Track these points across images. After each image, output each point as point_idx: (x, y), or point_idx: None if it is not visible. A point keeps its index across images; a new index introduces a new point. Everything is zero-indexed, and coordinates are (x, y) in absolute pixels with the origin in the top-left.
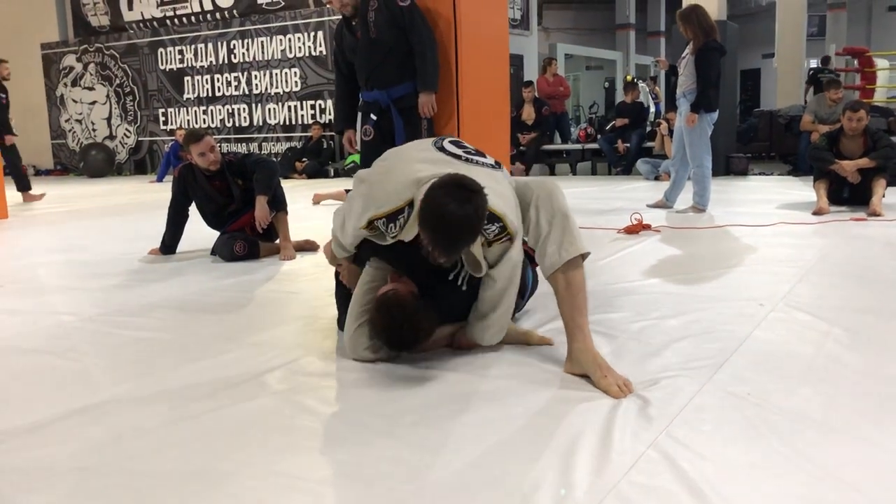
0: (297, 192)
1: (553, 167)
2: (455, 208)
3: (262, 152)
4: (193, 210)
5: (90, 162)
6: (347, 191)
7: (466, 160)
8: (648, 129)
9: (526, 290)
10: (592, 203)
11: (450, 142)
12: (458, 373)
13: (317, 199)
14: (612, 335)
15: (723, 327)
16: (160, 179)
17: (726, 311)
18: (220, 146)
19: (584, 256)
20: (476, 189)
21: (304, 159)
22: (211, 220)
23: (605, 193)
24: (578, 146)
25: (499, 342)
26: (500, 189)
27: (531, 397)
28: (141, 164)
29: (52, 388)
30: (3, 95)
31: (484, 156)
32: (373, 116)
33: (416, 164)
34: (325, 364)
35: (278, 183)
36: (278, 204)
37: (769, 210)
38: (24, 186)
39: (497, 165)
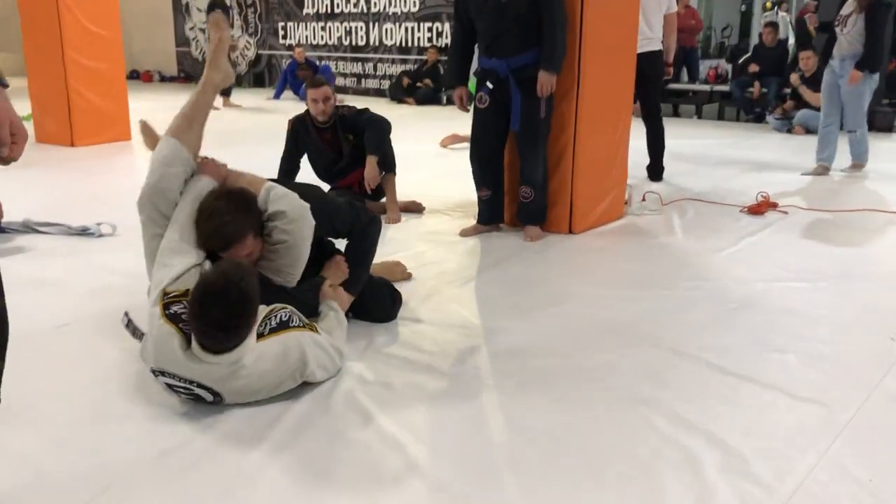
0: (408, 125)
1: (677, 107)
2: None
3: (377, 73)
4: (305, 162)
5: None
6: None
7: None
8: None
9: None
10: (718, 158)
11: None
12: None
13: (445, 143)
14: (726, 371)
15: (848, 370)
16: (277, 97)
17: (854, 344)
18: (336, 97)
19: None
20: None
21: (417, 84)
22: (321, 174)
23: (732, 148)
24: (706, 87)
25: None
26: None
27: (627, 458)
28: (260, 77)
29: None
30: None
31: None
32: (489, 85)
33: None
34: (418, 331)
35: (389, 143)
36: (388, 165)
37: None
38: (226, 92)
39: None
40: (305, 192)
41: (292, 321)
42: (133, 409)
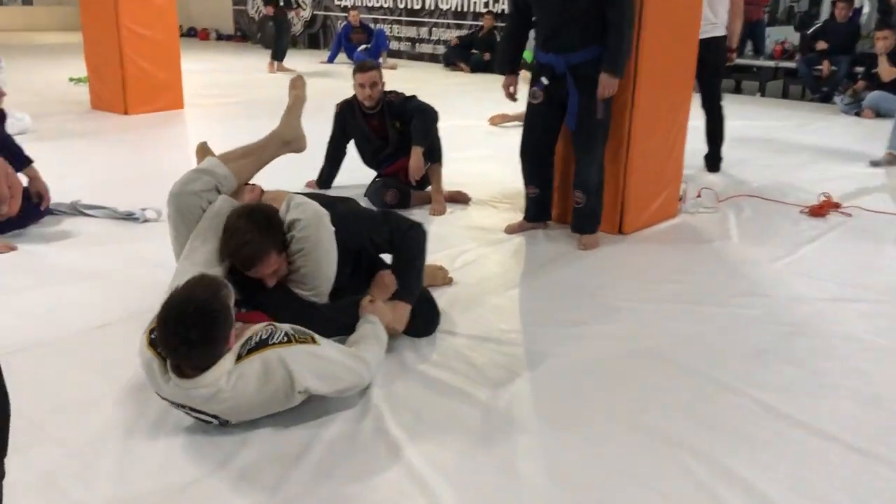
0: (459, 96)
1: (739, 84)
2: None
3: (432, 38)
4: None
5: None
6: None
7: None
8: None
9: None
10: (780, 144)
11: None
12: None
13: (495, 121)
14: (773, 410)
15: None
16: (331, 60)
17: None
18: (384, 76)
19: None
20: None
21: (472, 51)
22: (367, 160)
23: (796, 132)
24: (771, 63)
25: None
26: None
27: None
28: (314, 38)
29: None
30: None
31: None
32: (544, 80)
33: None
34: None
35: (437, 132)
36: (434, 154)
37: None
38: (279, 57)
39: None
40: (339, 203)
41: (273, 338)
42: (160, 428)
